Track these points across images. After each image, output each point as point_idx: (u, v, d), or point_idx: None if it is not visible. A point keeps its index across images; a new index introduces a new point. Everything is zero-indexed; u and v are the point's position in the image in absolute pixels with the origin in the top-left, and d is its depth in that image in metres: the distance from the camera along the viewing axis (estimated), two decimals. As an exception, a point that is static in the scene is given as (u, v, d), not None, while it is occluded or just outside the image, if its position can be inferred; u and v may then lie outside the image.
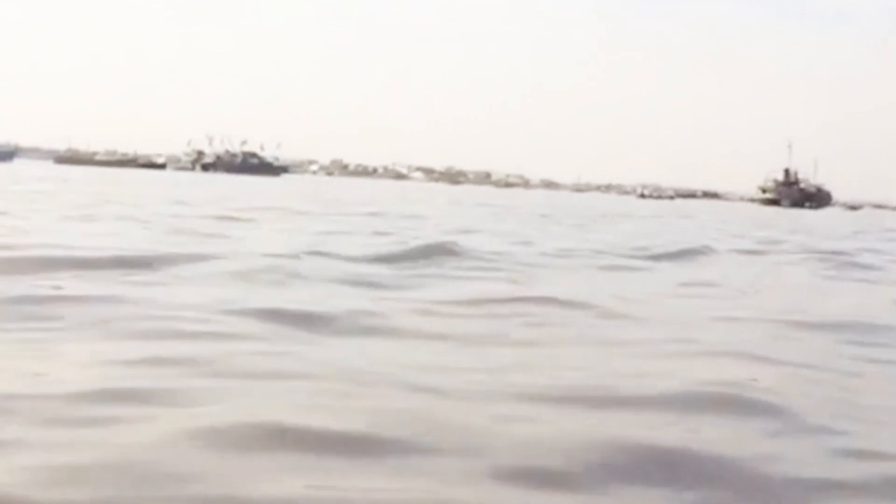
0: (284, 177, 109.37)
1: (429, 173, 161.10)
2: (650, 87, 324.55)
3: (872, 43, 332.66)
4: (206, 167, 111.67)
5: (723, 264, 11.53)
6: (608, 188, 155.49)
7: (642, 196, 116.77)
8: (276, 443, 2.87)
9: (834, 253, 14.53)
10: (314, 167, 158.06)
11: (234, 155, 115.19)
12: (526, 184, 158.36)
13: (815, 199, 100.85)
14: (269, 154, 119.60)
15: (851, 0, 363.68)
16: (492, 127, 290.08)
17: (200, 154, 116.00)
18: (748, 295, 8.04)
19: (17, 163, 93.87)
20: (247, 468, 2.65)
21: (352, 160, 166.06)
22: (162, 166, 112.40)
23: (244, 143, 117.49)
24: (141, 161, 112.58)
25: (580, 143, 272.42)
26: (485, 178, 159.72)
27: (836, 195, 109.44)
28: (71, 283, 6.20)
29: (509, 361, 4.35)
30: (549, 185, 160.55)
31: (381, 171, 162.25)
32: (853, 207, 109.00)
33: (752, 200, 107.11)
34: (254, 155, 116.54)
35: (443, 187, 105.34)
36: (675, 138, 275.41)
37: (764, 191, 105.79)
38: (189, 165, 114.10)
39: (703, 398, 3.68)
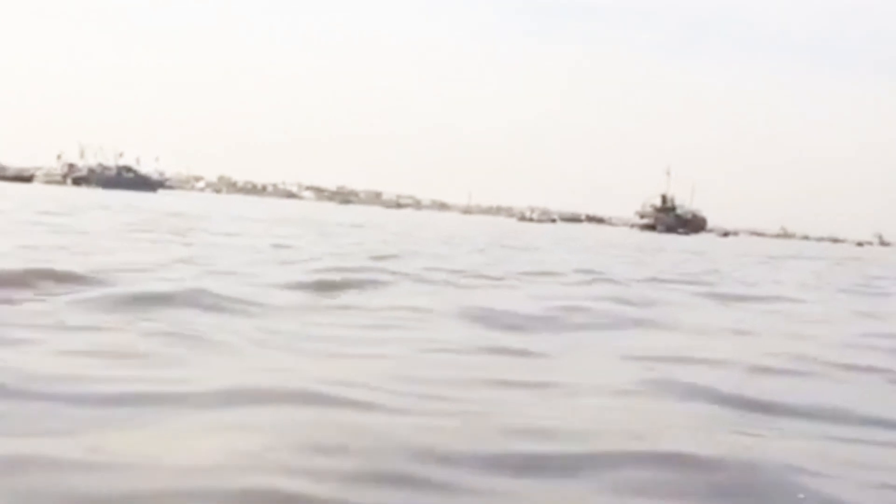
0: (161, 192, 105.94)
1: (319, 192, 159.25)
2: (544, 110, 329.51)
3: (750, 68, 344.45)
4: (77, 181, 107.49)
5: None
6: (498, 210, 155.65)
7: (523, 219, 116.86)
8: None
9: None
10: (201, 184, 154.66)
11: (107, 168, 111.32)
12: (417, 204, 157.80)
13: (690, 224, 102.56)
14: (151, 169, 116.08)
15: (730, 28, 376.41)
16: (385, 147, 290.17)
17: (71, 167, 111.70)
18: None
19: None
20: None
21: (241, 177, 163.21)
22: (28, 179, 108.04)
23: (120, 155, 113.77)
24: (8, 174, 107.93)
25: (472, 165, 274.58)
26: (375, 199, 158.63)
27: (713, 221, 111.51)
28: None
29: None
30: (441, 206, 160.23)
31: (270, 189, 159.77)
32: (726, 234, 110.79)
33: (633, 226, 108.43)
34: (129, 169, 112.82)
35: (330, 207, 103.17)
36: (565, 162, 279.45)
37: (642, 216, 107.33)
38: (60, 179, 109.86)
39: None
